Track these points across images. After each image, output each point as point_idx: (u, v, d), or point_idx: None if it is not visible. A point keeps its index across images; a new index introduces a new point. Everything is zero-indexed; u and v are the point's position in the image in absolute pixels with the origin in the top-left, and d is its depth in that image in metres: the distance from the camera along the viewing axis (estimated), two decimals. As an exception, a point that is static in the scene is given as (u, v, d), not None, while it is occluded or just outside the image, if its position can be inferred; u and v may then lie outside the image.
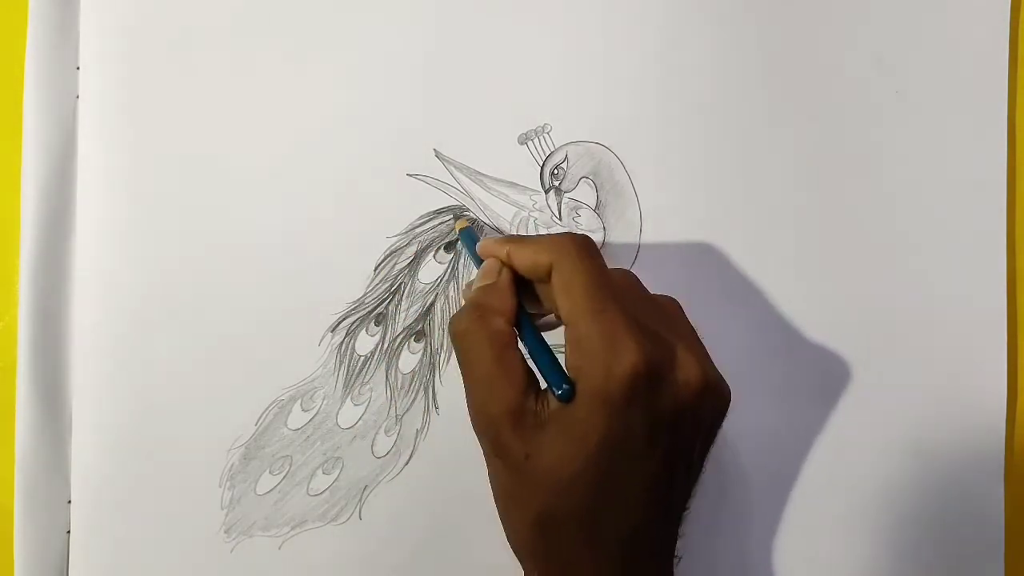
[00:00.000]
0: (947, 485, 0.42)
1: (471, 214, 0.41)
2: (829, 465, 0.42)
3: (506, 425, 0.32)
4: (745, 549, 0.41)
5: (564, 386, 0.32)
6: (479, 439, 0.33)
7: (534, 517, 0.32)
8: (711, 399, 0.33)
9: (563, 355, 0.33)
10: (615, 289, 0.33)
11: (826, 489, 0.42)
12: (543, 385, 0.33)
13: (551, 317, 0.36)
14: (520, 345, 0.34)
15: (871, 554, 0.42)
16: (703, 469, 0.35)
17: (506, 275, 0.35)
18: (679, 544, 0.35)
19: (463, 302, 0.36)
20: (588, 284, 0.32)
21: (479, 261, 0.36)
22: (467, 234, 0.39)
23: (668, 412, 0.32)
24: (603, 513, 0.32)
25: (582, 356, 0.31)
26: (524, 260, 0.34)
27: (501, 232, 0.42)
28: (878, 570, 0.42)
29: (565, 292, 0.32)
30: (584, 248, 0.33)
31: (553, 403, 0.32)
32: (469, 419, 0.34)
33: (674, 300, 0.36)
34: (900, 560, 0.42)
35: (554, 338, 0.34)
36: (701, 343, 0.34)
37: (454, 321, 0.34)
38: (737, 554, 0.41)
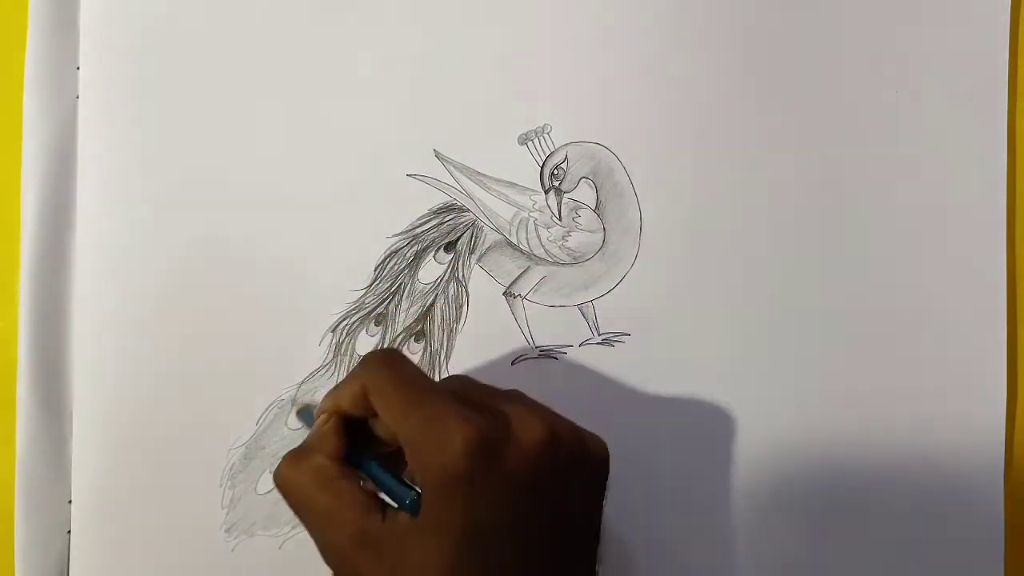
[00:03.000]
0: (947, 485, 0.42)
1: (305, 397, 0.41)
2: (828, 465, 0.42)
3: (357, 551, 0.31)
4: (744, 549, 0.41)
5: (408, 496, 0.31)
6: None
7: None
8: (569, 453, 0.32)
9: None
10: (430, 383, 0.32)
11: (826, 489, 0.42)
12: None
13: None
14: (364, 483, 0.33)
15: (871, 554, 0.42)
16: (600, 536, 0.34)
17: (332, 420, 0.33)
18: None
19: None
20: (399, 384, 0.32)
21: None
22: (306, 413, 0.38)
23: (520, 476, 0.30)
24: None
25: (415, 456, 0.31)
26: (344, 397, 0.33)
27: (501, 233, 0.42)
28: (878, 570, 0.42)
29: (382, 404, 0.32)
30: (389, 357, 0.33)
31: (404, 516, 0.31)
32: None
33: (517, 390, 0.34)
34: (900, 560, 0.42)
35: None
36: (549, 408, 0.33)
37: (274, 475, 0.33)
38: (736, 554, 0.41)
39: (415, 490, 0.31)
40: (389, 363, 0.33)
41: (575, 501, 0.33)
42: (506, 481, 0.30)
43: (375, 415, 0.33)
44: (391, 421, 0.32)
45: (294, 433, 0.41)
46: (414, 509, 0.31)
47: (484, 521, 0.30)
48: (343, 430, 0.33)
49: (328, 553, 0.32)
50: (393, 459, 0.33)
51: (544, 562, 0.31)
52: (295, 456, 0.33)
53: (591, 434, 0.33)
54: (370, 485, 0.33)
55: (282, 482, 0.33)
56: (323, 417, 0.34)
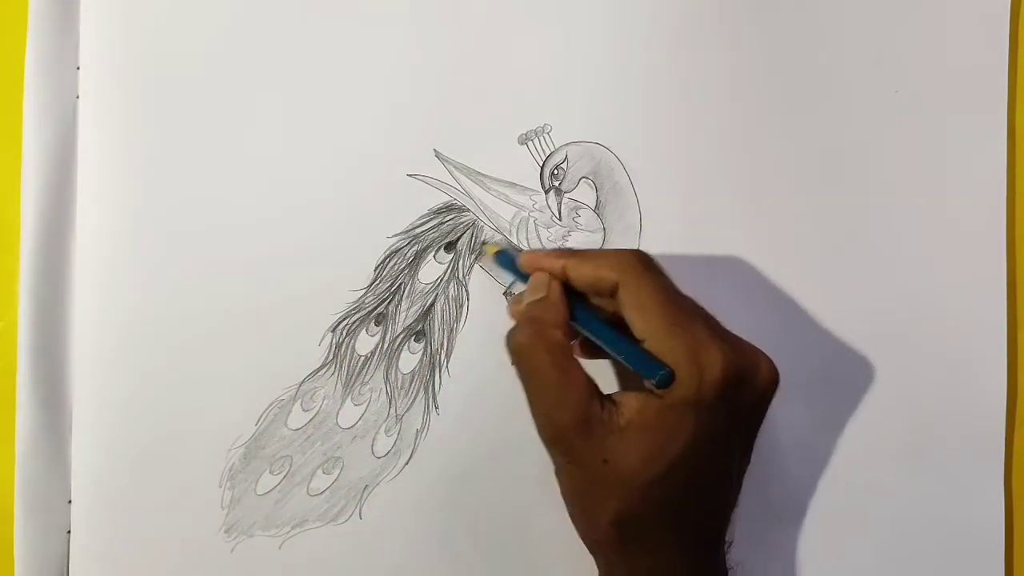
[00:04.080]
0: (947, 485, 0.42)
1: (493, 238, 0.41)
2: (828, 465, 0.42)
3: (577, 433, 0.33)
4: (743, 548, 0.41)
5: (662, 370, 0.32)
6: (548, 449, 0.34)
7: (615, 515, 0.33)
8: (772, 394, 0.35)
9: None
10: (688, 304, 0.34)
11: (826, 489, 0.42)
12: (611, 389, 0.34)
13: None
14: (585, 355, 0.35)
15: (871, 554, 0.42)
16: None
17: (556, 288, 0.35)
18: (729, 528, 0.37)
19: (511, 317, 0.37)
20: (663, 302, 0.34)
21: (524, 277, 0.37)
22: (503, 256, 0.39)
23: (748, 410, 0.34)
24: (686, 507, 0.34)
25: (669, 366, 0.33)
26: (585, 276, 0.35)
27: (501, 233, 0.42)
28: (878, 570, 0.42)
29: (638, 310, 0.33)
30: (651, 266, 0.35)
31: (627, 410, 0.33)
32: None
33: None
34: (900, 560, 0.42)
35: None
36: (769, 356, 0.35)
37: (512, 337, 0.35)
38: (733, 553, 0.41)
39: (668, 368, 0.32)
40: (653, 269, 0.35)
41: (755, 432, 0.36)
42: (738, 411, 0.34)
43: (603, 296, 0.35)
44: (642, 329, 0.33)
45: (294, 433, 0.41)
46: (666, 383, 0.32)
47: (708, 439, 0.33)
48: (565, 297, 0.35)
49: (548, 426, 0.34)
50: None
51: (730, 475, 0.35)
52: (536, 325, 0.34)
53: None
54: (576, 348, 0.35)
55: (519, 350, 0.34)
56: (543, 278, 0.36)
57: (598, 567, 0.36)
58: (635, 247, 0.42)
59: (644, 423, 0.33)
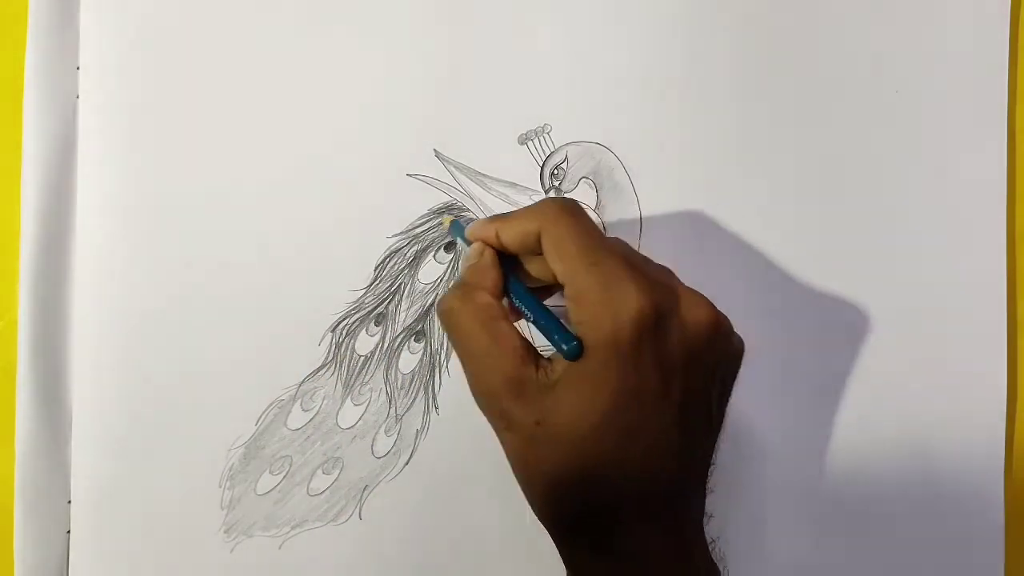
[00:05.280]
0: (947, 485, 0.42)
1: (458, 212, 0.41)
2: (828, 465, 0.42)
3: (507, 395, 0.32)
4: (743, 549, 0.41)
5: (571, 342, 0.31)
6: (484, 415, 0.33)
7: (556, 482, 0.32)
8: (722, 343, 0.33)
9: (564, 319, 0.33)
10: (607, 242, 0.33)
11: (825, 489, 0.42)
12: (546, 354, 0.33)
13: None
14: (522, 318, 0.34)
15: (871, 554, 0.42)
16: (723, 424, 0.35)
17: (488, 253, 0.35)
18: (708, 501, 0.35)
19: None
20: (579, 239, 0.32)
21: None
22: (457, 226, 0.39)
23: (679, 354, 0.32)
24: (626, 468, 0.31)
25: (584, 310, 0.32)
26: (512, 232, 0.34)
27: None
28: (878, 570, 0.42)
29: (557, 252, 0.32)
30: (570, 207, 0.34)
31: (559, 367, 0.32)
32: (469, 415, 0.34)
33: (667, 268, 0.35)
34: (900, 560, 0.42)
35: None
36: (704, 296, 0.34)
37: (439, 302, 0.34)
38: (733, 553, 0.41)
39: (578, 340, 0.32)
40: (571, 214, 0.33)
41: (714, 387, 0.34)
42: (665, 353, 0.32)
43: (534, 253, 0.34)
44: (562, 271, 0.32)
45: (294, 433, 0.41)
46: (574, 355, 0.31)
47: (636, 386, 0.31)
48: (498, 263, 0.34)
49: (479, 391, 0.33)
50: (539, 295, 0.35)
51: (677, 434, 0.32)
52: (462, 288, 0.34)
53: (738, 335, 0.35)
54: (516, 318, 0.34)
55: (447, 314, 0.34)
56: (477, 247, 0.35)
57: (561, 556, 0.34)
58: (635, 247, 0.41)
59: (569, 377, 0.31)
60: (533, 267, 0.35)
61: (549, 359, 0.33)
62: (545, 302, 0.35)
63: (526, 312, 0.34)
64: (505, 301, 0.34)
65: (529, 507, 0.41)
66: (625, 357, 0.31)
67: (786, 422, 0.42)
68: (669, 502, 0.32)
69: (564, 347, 0.32)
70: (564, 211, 0.33)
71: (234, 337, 0.41)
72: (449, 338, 0.34)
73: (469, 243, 0.36)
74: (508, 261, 0.35)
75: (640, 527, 0.32)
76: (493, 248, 0.35)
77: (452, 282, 0.42)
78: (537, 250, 0.34)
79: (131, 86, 0.41)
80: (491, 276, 0.34)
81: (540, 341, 0.34)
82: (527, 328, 0.35)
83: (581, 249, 0.32)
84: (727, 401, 0.35)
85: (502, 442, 0.33)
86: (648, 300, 0.31)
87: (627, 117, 0.42)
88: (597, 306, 0.31)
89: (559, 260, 0.32)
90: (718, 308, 0.33)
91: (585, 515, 0.32)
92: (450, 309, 0.33)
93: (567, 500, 0.32)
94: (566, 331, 0.32)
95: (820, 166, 0.42)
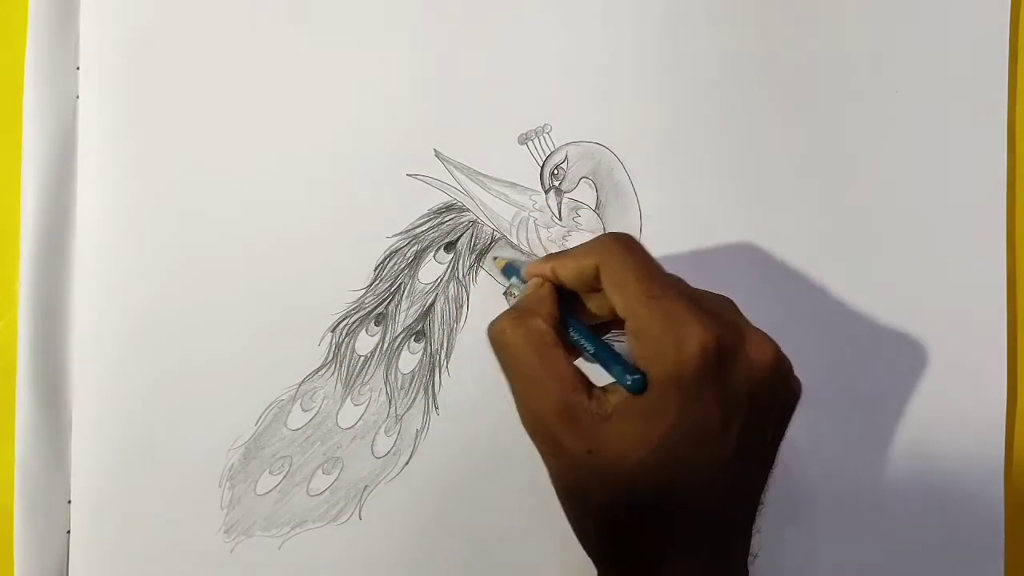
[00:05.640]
0: (947, 485, 0.42)
1: (504, 252, 0.41)
2: (829, 465, 0.42)
3: (559, 421, 0.31)
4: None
5: (635, 375, 0.31)
6: (532, 439, 0.33)
7: (600, 510, 0.32)
8: (782, 384, 0.33)
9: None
10: (667, 277, 0.33)
11: (826, 489, 0.42)
12: (601, 382, 0.33)
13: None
14: (579, 356, 0.34)
15: (871, 554, 0.42)
16: (775, 462, 0.34)
17: (547, 285, 0.35)
18: (754, 540, 0.34)
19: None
20: (640, 274, 0.32)
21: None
22: (510, 269, 0.39)
23: (742, 390, 0.31)
24: (682, 505, 0.31)
25: (646, 344, 0.31)
26: (569, 268, 0.34)
27: (500, 232, 0.42)
28: (878, 569, 0.42)
29: (617, 287, 0.32)
30: (628, 242, 0.34)
31: (614, 398, 0.32)
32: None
33: (729, 299, 0.35)
34: (900, 560, 0.42)
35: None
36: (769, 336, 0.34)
37: (492, 325, 0.34)
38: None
39: (642, 373, 0.31)
40: (629, 248, 0.33)
41: (770, 427, 0.33)
42: (728, 390, 0.31)
43: (593, 289, 0.34)
44: (622, 306, 0.32)
45: (294, 433, 0.41)
46: (638, 388, 0.31)
47: (695, 421, 0.31)
48: (556, 296, 0.34)
49: (528, 416, 0.33)
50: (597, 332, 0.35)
51: (731, 472, 0.32)
52: (515, 314, 0.33)
53: (797, 378, 0.34)
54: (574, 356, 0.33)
55: (499, 337, 0.33)
56: (536, 280, 0.35)
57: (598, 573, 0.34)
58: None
59: (627, 408, 0.31)
60: (591, 304, 0.35)
61: (603, 389, 0.32)
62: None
63: (585, 346, 0.34)
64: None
65: (528, 508, 0.41)
66: (687, 392, 0.31)
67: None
68: (717, 539, 0.32)
69: (628, 380, 0.31)
70: (623, 245, 0.33)
71: (234, 337, 0.41)
72: (499, 361, 0.33)
73: (525, 281, 0.36)
74: (565, 299, 0.35)
75: (685, 564, 0.32)
76: (551, 283, 0.35)
77: (459, 288, 0.42)
78: (595, 286, 0.34)
79: (131, 86, 0.41)
80: (547, 305, 0.34)
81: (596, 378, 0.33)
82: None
83: (642, 283, 0.32)
84: (780, 442, 0.34)
85: (548, 467, 0.33)
86: (711, 336, 0.31)
87: (627, 117, 0.42)
88: (659, 340, 0.31)
89: (620, 294, 0.32)
90: (782, 352, 0.33)
91: (632, 546, 0.32)
92: (502, 330, 0.33)
93: (614, 530, 0.32)
94: (627, 364, 0.32)
95: (820, 166, 0.42)
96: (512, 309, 0.34)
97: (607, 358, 0.33)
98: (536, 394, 0.32)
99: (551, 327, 0.33)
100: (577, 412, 0.31)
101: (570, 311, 0.35)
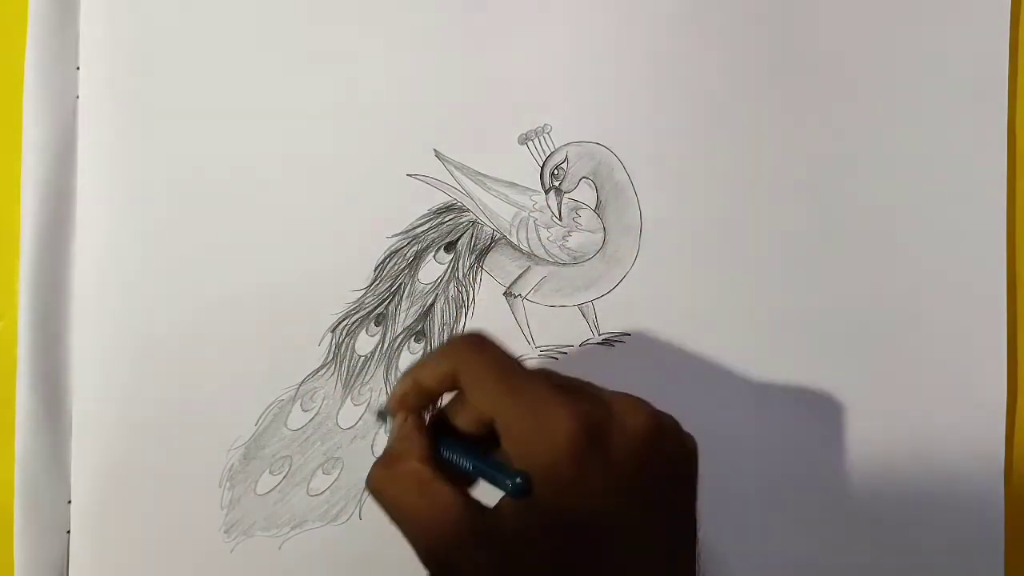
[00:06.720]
0: (947, 485, 0.42)
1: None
2: (829, 465, 0.42)
3: (456, 554, 0.30)
4: (742, 550, 0.41)
5: (515, 479, 0.29)
6: None
7: None
8: (671, 443, 0.31)
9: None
10: (524, 368, 0.32)
11: (826, 489, 0.42)
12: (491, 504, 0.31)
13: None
14: (469, 482, 0.32)
15: (871, 554, 0.42)
16: (698, 529, 0.33)
17: (410, 420, 0.33)
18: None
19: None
20: (496, 370, 0.31)
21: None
22: (382, 416, 0.38)
23: (628, 462, 0.30)
24: None
25: (517, 442, 0.30)
26: (428, 378, 0.32)
27: (500, 232, 0.42)
28: (878, 570, 0.42)
29: (477, 389, 0.31)
30: (479, 342, 0.32)
31: (507, 510, 0.30)
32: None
33: (585, 382, 0.33)
34: (900, 560, 0.42)
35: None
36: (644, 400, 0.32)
37: (368, 480, 0.32)
38: (734, 554, 0.41)
39: (523, 475, 0.30)
40: (480, 347, 0.32)
41: (675, 493, 0.32)
42: (614, 467, 0.30)
43: (461, 409, 0.32)
44: (487, 407, 0.31)
45: (294, 433, 0.41)
46: (521, 491, 0.29)
47: (593, 509, 0.29)
48: (424, 426, 0.33)
49: (428, 557, 0.31)
50: (473, 447, 0.33)
51: (650, 551, 0.30)
52: (387, 462, 0.32)
53: (687, 433, 0.33)
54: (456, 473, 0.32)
55: (377, 488, 0.32)
56: (400, 417, 0.33)
57: None
58: (635, 247, 0.42)
59: (520, 517, 0.29)
60: (461, 420, 0.33)
61: (496, 507, 0.30)
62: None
63: (462, 463, 0.32)
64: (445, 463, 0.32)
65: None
66: (570, 482, 0.29)
67: (786, 423, 0.42)
68: None
69: (509, 484, 0.29)
70: (474, 346, 0.32)
71: (234, 337, 0.41)
72: (386, 512, 0.31)
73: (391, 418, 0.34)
74: (438, 425, 0.33)
75: None
76: (415, 414, 0.33)
77: (460, 288, 0.42)
78: (456, 388, 0.32)
79: (131, 86, 0.41)
80: (416, 441, 0.32)
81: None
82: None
83: (499, 379, 0.31)
84: (694, 504, 0.32)
85: None
86: (579, 417, 0.29)
87: (627, 117, 0.42)
88: (529, 436, 0.30)
89: (481, 396, 0.31)
90: (656, 410, 0.31)
91: None
92: (376, 481, 0.32)
93: None
94: (507, 471, 0.30)
95: (820, 166, 0.42)
96: (383, 457, 0.32)
97: (484, 470, 0.31)
98: (429, 532, 0.30)
99: (424, 463, 0.31)
100: (476, 537, 0.30)
101: (442, 433, 0.33)
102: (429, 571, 0.31)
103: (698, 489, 0.33)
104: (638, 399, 0.31)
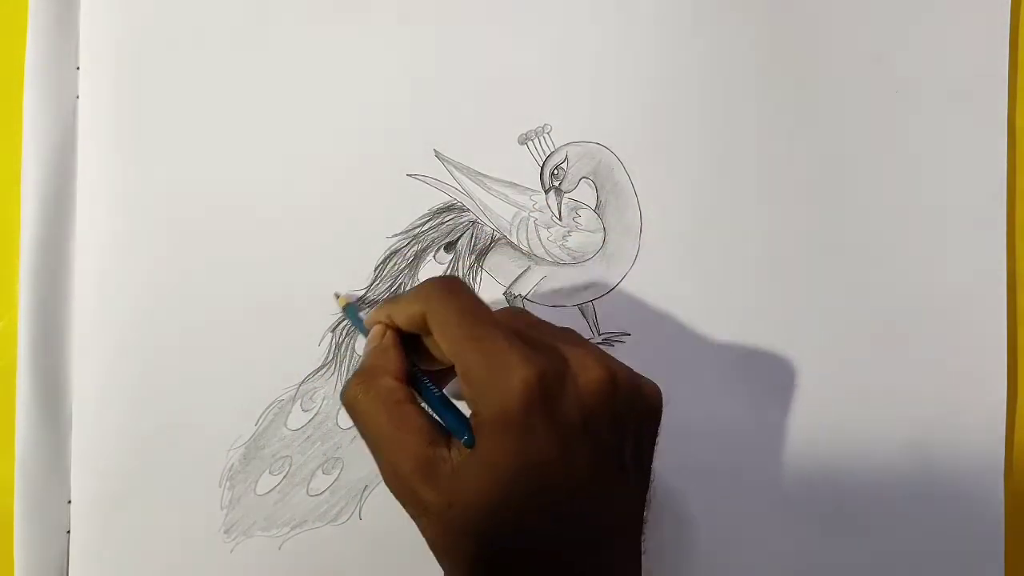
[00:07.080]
0: (947, 485, 0.42)
1: (352, 293, 0.41)
2: (829, 465, 0.42)
3: (418, 480, 0.31)
4: (743, 550, 0.41)
5: (463, 433, 0.31)
6: (400, 503, 0.32)
7: (470, 565, 0.31)
8: (626, 396, 0.32)
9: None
10: (490, 315, 0.32)
11: (825, 489, 0.42)
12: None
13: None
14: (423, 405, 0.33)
15: (871, 554, 0.42)
16: (652, 476, 0.34)
17: (389, 335, 0.34)
18: (644, 563, 0.33)
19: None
20: (461, 316, 0.32)
21: (367, 332, 0.36)
22: (352, 310, 0.39)
23: (576, 418, 0.31)
24: (538, 544, 0.31)
25: (472, 387, 0.31)
26: (401, 316, 0.33)
27: (500, 232, 0.42)
28: (878, 570, 0.42)
29: (441, 332, 0.32)
30: (451, 285, 0.33)
31: (464, 448, 0.31)
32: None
33: (570, 329, 0.35)
34: (900, 560, 0.42)
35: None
36: (605, 352, 0.33)
37: (343, 393, 0.33)
38: (735, 554, 0.41)
39: (468, 428, 0.31)
40: (450, 290, 0.33)
41: (628, 443, 0.32)
42: (562, 421, 0.30)
43: (429, 335, 0.33)
44: (449, 350, 0.32)
45: (294, 433, 0.41)
46: (472, 444, 0.31)
47: (537, 458, 0.30)
48: (401, 345, 0.34)
49: (389, 477, 0.32)
50: (445, 375, 0.34)
51: (593, 499, 0.31)
52: (364, 376, 0.33)
53: (647, 380, 0.33)
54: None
55: (351, 403, 0.33)
56: (378, 329, 0.34)
57: None
58: (635, 247, 0.42)
59: (473, 458, 0.30)
60: (433, 348, 0.34)
61: (456, 444, 0.32)
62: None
63: (428, 404, 0.33)
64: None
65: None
66: (518, 432, 0.30)
67: (786, 422, 0.42)
68: (596, 570, 0.31)
69: (462, 438, 0.31)
70: (445, 290, 0.33)
71: (234, 337, 0.41)
72: (356, 426, 0.33)
73: (366, 331, 0.35)
74: (411, 343, 0.34)
75: None
76: (393, 330, 0.34)
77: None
78: (428, 330, 0.33)
79: (131, 86, 0.41)
80: (392, 358, 0.33)
81: None
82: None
83: (462, 324, 0.32)
84: (650, 455, 0.34)
85: (420, 529, 0.32)
86: (533, 370, 0.30)
87: (627, 117, 0.42)
88: (483, 383, 0.31)
89: (445, 339, 0.32)
90: (621, 364, 0.32)
91: None
92: (353, 398, 0.32)
93: None
94: (463, 420, 0.32)
95: (820, 166, 0.42)
96: (360, 371, 0.33)
97: (441, 410, 0.32)
98: (393, 453, 0.31)
99: (400, 382, 0.33)
100: (435, 466, 0.31)
101: (415, 356, 0.34)
102: (393, 492, 0.32)
103: (658, 440, 0.34)
104: (601, 353, 0.32)
